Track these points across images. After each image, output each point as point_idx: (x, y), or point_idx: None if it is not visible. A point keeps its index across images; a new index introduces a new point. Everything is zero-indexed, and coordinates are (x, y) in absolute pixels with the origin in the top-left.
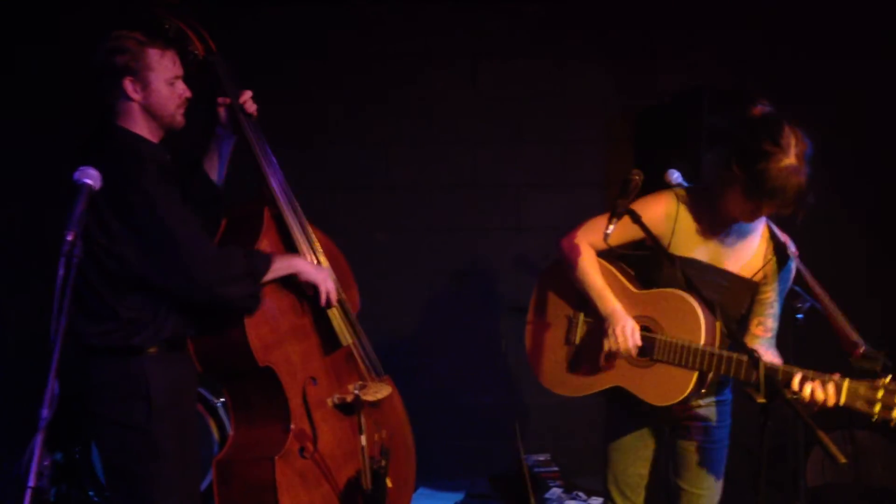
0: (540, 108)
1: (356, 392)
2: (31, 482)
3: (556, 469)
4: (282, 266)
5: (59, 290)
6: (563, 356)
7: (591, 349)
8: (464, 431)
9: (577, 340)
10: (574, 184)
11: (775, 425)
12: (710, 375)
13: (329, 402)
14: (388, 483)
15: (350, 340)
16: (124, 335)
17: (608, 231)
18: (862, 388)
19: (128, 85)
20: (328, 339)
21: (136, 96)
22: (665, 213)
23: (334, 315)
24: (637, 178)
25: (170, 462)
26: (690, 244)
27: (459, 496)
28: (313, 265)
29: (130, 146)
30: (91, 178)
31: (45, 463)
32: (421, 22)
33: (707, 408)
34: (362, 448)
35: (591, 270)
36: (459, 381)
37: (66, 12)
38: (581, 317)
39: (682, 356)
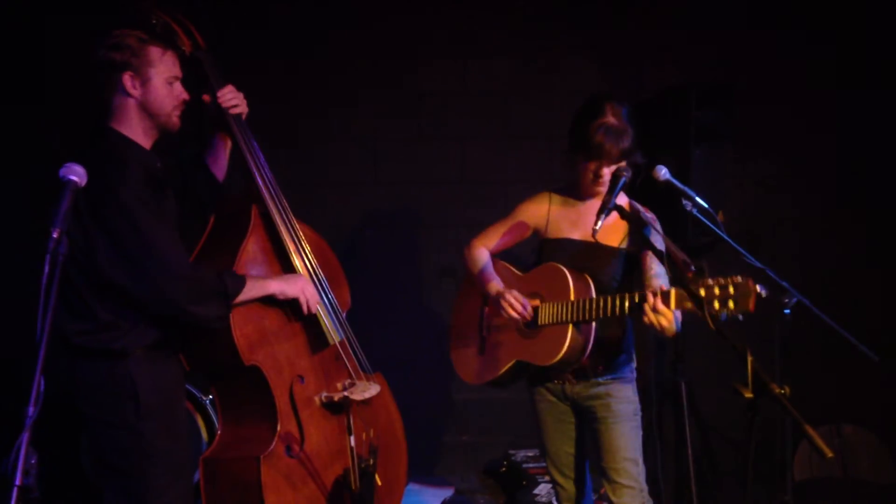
0: (528, 104)
1: (344, 392)
2: (18, 480)
3: (545, 465)
4: (254, 288)
5: (44, 288)
6: (475, 347)
7: (492, 335)
8: (453, 427)
9: (483, 331)
10: (562, 180)
11: (763, 420)
12: (592, 333)
13: (317, 400)
14: (378, 481)
15: (337, 339)
16: (104, 338)
17: (597, 227)
18: (686, 291)
19: (127, 80)
20: (316, 338)
21: (135, 92)
22: (540, 207)
23: (321, 314)
24: (625, 174)
25: (161, 460)
26: (564, 229)
27: (449, 492)
28: (286, 279)
29: (118, 151)
30: (76, 174)
31: (32, 461)
32: (409, 19)
33: (606, 385)
34: (351, 448)
35: (480, 263)
36: (449, 377)
37: (52, 12)
38: (486, 310)
39: (559, 314)
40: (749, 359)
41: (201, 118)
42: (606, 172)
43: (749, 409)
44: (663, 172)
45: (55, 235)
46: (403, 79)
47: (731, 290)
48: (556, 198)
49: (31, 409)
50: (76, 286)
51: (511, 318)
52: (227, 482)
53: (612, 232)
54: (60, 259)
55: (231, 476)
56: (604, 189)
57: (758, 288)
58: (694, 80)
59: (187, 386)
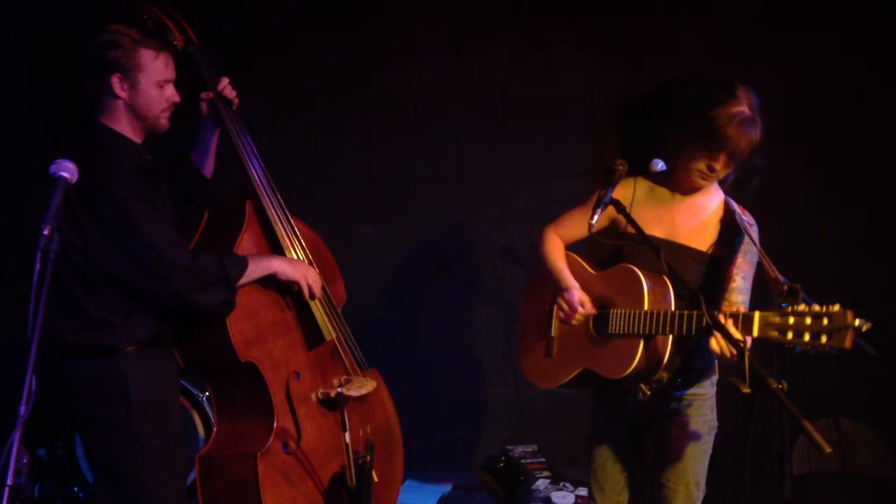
0: (524, 99)
1: (339, 389)
2: (9, 480)
3: (542, 460)
4: (257, 268)
5: (35, 286)
6: (543, 348)
7: (562, 336)
8: (450, 423)
9: (554, 330)
10: (558, 175)
11: (761, 414)
12: (668, 349)
13: (313, 397)
14: (374, 477)
15: (334, 335)
16: (94, 335)
17: (593, 221)
18: (773, 317)
19: (115, 82)
20: (312, 334)
21: (123, 94)
22: (621, 194)
23: (317, 309)
24: (621, 168)
25: (154, 458)
26: (646, 224)
27: (446, 488)
28: (290, 261)
29: (109, 144)
30: (67, 171)
31: (24, 460)
32: (405, 13)
33: (682, 401)
34: (346, 444)
35: (553, 256)
36: (446, 372)
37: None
38: (556, 308)
39: (631, 324)
40: (746, 354)
41: (196, 114)
42: (722, 168)
43: (747, 404)
44: (660, 165)
45: (46, 232)
46: (400, 74)
47: (826, 322)
48: (642, 185)
49: (22, 409)
50: (67, 283)
51: (562, 317)
52: (224, 479)
53: (701, 233)
54: (52, 256)
55: (227, 473)
56: (708, 184)
57: (857, 321)
58: (692, 73)
59: (184, 383)
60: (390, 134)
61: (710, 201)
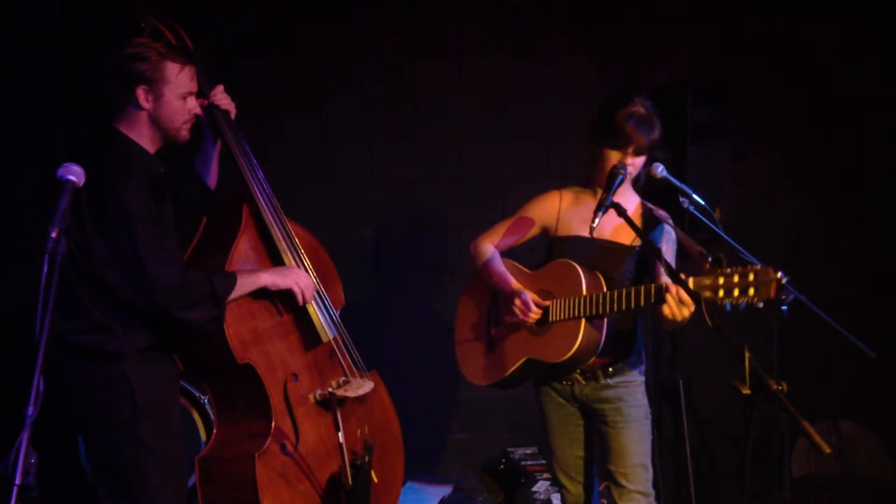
0: (524, 102)
1: (334, 389)
2: (18, 480)
3: (543, 462)
4: (246, 283)
5: (43, 288)
6: (482, 348)
7: (501, 333)
8: (451, 425)
9: (492, 330)
10: (558, 178)
11: (760, 416)
12: (604, 329)
13: (311, 398)
14: (374, 478)
15: (330, 336)
16: (97, 338)
17: (594, 225)
18: (706, 280)
19: (140, 93)
20: (309, 336)
21: (147, 105)
22: (550, 206)
23: (314, 311)
24: (621, 172)
25: (156, 460)
26: (575, 226)
27: (447, 490)
28: (278, 271)
29: (123, 153)
30: (74, 174)
31: (32, 461)
32: (406, 16)
33: (616, 388)
34: (340, 444)
35: (488, 260)
36: (446, 374)
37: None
38: (493, 308)
39: (571, 309)
40: (746, 355)
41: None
42: (631, 164)
43: (747, 406)
44: (660, 170)
45: (53, 235)
46: (400, 77)
47: (752, 277)
48: (567, 195)
49: (30, 409)
50: (71, 284)
51: (520, 319)
52: (223, 481)
53: (624, 230)
54: (59, 259)
55: (227, 475)
56: (623, 186)
57: (778, 275)
58: (691, 77)
59: (185, 384)
60: (390, 137)
61: (628, 203)
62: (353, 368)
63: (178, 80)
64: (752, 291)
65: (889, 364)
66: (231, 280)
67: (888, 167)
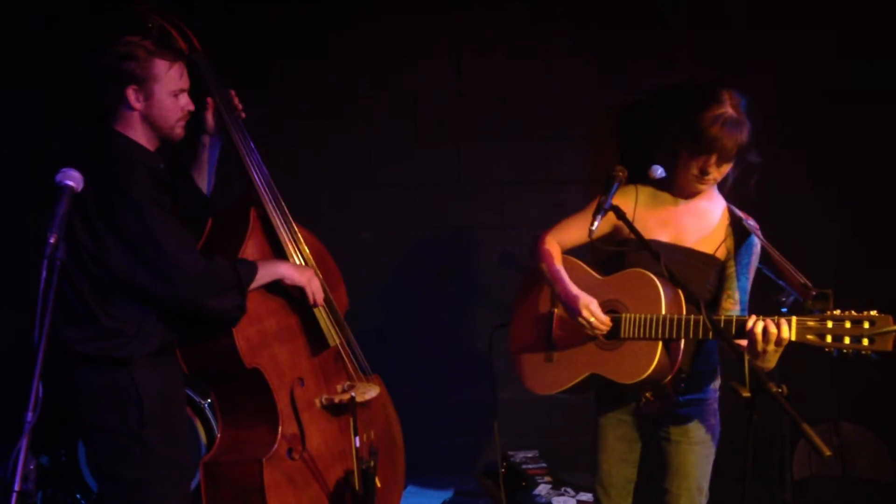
0: (524, 104)
1: (350, 394)
2: (17, 486)
3: (544, 465)
4: (266, 273)
5: (42, 294)
6: (542, 353)
7: (564, 341)
8: (452, 429)
9: (554, 336)
10: (558, 181)
11: (761, 419)
12: (681, 354)
13: (317, 402)
14: (378, 483)
15: (337, 340)
16: (107, 345)
17: (593, 227)
18: (810, 322)
19: (131, 93)
20: (315, 340)
21: (138, 105)
22: (625, 202)
23: (321, 315)
24: (621, 174)
25: (162, 466)
26: (651, 229)
27: (448, 494)
28: (297, 267)
29: (124, 152)
30: (72, 179)
31: (31, 466)
32: (405, 18)
33: (688, 406)
34: (356, 449)
35: (552, 262)
36: (447, 378)
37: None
38: (555, 312)
39: (646, 328)
40: (746, 358)
41: (197, 128)
42: (715, 170)
43: (747, 408)
44: (659, 171)
45: (52, 241)
46: (399, 80)
47: (867, 325)
48: (644, 191)
49: (29, 415)
50: (79, 292)
51: (587, 331)
52: (229, 485)
53: (709, 237)
54: (58, 264)
55: (233, 479)
56: (707, 188)
57: None
58: (690, 79)
59: (186, 390)
60: (390, 140)
61: (714, 207)
62: (358, 373)
63: (168, 77)
64: (866, 342)
65: (890, 365)
66: (252, 268)
67: (889, 166)
